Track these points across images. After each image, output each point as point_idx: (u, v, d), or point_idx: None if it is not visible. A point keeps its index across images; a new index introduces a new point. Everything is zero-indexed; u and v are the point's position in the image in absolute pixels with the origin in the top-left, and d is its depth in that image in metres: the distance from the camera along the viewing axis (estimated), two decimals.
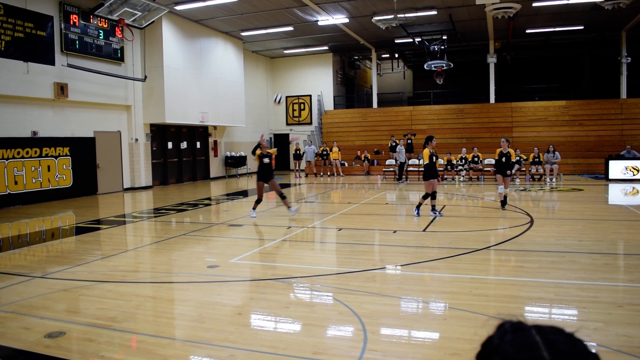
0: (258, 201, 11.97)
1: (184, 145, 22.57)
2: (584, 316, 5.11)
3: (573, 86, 29.28)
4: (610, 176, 19.73)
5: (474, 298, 5.63)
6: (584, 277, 6.51)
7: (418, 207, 11.65)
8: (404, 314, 5.32)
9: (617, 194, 16.10)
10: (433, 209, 11.51)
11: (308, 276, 6.68)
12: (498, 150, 12.60)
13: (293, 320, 5.07)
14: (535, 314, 5.24)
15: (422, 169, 22.54)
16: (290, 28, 22.78)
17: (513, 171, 13.57)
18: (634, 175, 19.53)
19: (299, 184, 21.48)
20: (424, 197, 11.55)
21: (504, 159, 12.38)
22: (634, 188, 17.38)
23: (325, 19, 21.42)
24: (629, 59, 25.00)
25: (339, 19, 21.50)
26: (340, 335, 4.76)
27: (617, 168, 19.76)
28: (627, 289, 6.00)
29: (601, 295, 5.68)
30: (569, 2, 19.72)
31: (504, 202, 12.43)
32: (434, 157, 11.33)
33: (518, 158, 19.36)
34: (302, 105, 29.46)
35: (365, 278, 6.48)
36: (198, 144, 23.53)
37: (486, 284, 6.33)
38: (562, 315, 5.16)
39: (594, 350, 0.92)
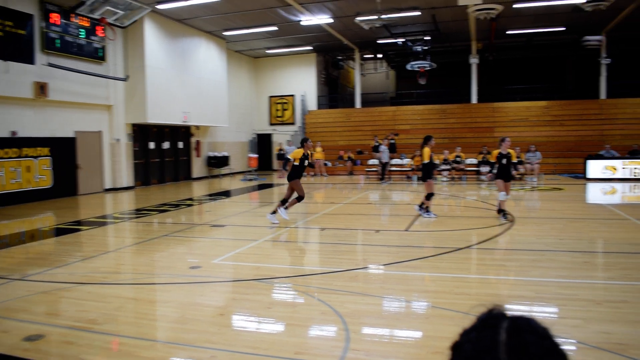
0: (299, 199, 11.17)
1: (166, 145, 22.39)
2: (564, 314, 5.18)
3: (554, 87, 29.66)
4: (590, 175, 20.01)
5: (455, 297, 5.68)
6: (564, 275, 6.60)
7: (427, 210, 11.39)
8: (386, 313, 5.35)
9: (596, 193, 16.33)
10: (421, 206, 11.53)
11: (291, 276, 6.69)
12: (496, 152, 11.24)
13: (275, 320, 5.07)
14: (516, 312, 5.28)
15: (408, 169, 22.85)
16: (273, 28, 22.75)
17: (515, 173, 12.29)
18: (612, 174, 19.83)
19: (283, 184, 21.43)
20: (428, 198, 11.33)
21: (504, 161, 11.05)
22: (612, 187, 17.64)
23: (309, 19, 21.43)
24: (609, 60, 25.36)
25: (323, 19, 21.51)
26: (322, 335, 4.77)
27: (596, 167, 20.05)
28: (606, 287, 6.09)
29: (581, 293, 5.76)
30: (550, 3, 19.95)
31: (503, 211, 11.06)
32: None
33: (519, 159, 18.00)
34: (285, 105, 29.43)
35: (348, 278, 6.49)
36: (180, 144, 23.35)
37: (468, 282, 6.38)
38: (543, 313, 5.21)
39: (564, 350, 0.92)
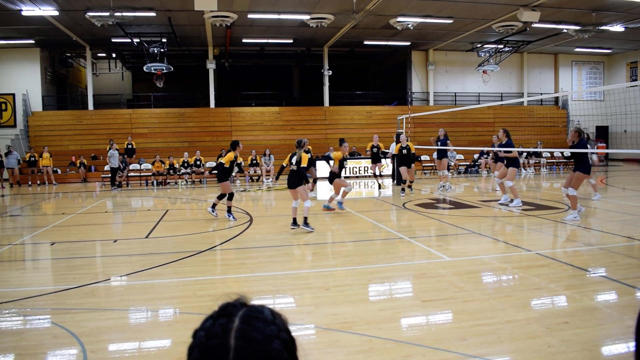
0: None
1: None
2: (299, 302, 5.66)
3: (284, 94, 32.08)
4: (319, 175, 22.15)
5: (198, 299, 5.73)
6: (298, 267, 7.22)
7: (213, 206, 11.64)
8: (128, 326, 5.12)
9: (323, 191, 18.10)
10: (229, 210, 11.40)
11: (14, 300, 5.90)
12: (398, 146, 14.74)
13: None
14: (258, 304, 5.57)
15: (148, 174, 22.15)
16: None
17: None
18: None
19: (3, 196, 18.81)
20: (230, 198, 11.41)
21: (404, 151, 14.89)
22: None
23: (31, 10, 19.15)
24: (330, 71, 28.46)
25: (47, 10, 19.43)
26: None
27: (323, 168, 22.26)
28: (332, 273, 6.82)
29: (312, 281, 6.36)
30: (280, 17, 21.49)
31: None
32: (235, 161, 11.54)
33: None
34: (3, 106, 25.75)
35: (84, 294, 6.03)
36: None
37: (211, 284, 6.50)
38: (280, 304, 5.60)
39: (289, 335, 1.02)
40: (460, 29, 24.76)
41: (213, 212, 11.63)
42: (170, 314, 5.39)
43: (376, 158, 17.80)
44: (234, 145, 11.33)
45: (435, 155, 17.40)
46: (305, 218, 9.80)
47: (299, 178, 9.97)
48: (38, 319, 5.29)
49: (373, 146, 17.62)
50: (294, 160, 10.02)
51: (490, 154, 18.19)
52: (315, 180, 15.57)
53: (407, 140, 15.21)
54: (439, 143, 16.10)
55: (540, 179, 21.41)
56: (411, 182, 15.89)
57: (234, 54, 30.00)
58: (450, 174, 16.69)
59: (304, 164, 9.90)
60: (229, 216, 11.30)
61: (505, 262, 7.28)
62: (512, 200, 12.75)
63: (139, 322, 5.28)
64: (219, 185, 11.68)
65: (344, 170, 12.74)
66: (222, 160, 11.43)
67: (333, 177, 12.59)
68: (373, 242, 8.82)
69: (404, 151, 15.05)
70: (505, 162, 13.33)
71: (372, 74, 37.10)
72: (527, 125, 27.41)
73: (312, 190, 15.30)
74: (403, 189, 15.46)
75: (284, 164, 10.44)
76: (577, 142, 10.65)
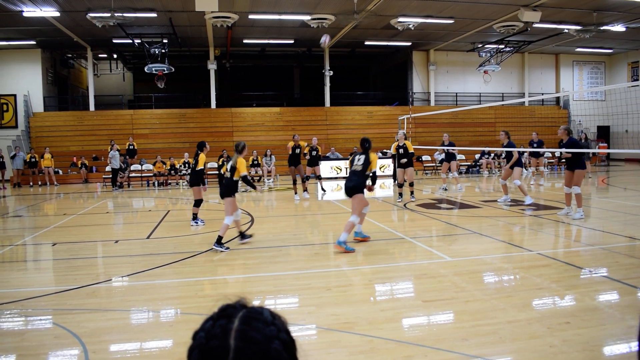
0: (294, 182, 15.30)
1: None
2: (301, 302, 5.66)
3: (285, 94, 32.11)
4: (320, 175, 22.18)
5: (200, 300, 5.73)
6: (299, 267, 7.20)
7: (195, 218, 10.93)
8: (129, 326, 5.12)
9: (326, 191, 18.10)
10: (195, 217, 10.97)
11: (16, 301, 5.90)
12: (395, 144, 13.99)
13: None
14: (258, 305, 5.56)
15: (149, 174, 22.15)
16: None
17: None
18: (337, 173, 22.36)
19: (4, 197, 18.82)
20: (196, 205, 10.91)
21: (401, 151, 13.79)
22: (337, 185, 19.82)
23: (32, 11, 19.17)
24: (331, 72, 28.46)
25: (48, 11, 19.45)
26: None
27: (325, 168, 22.29)
28: (335, 273, 6.83)
29: (313, 282, 6.35)
30: (281, 17, 21.50)
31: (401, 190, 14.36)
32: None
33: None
34: (4, 107, 25.79)
35: (85, 294, 6.03)
36: None
37: (212, 284, 6.50)
38: (281, 305, 5.60)
39: (289, 336, 1.03)
40: (461, 29, 24.75)
41: (197, 222, 10.93)
42: (171, 315, 5.39)
43: (314, 161, 16.52)
44: (202, 147, 10.70)
45: (439, 156, 17.25)
46: (220, 237, 8.33)
47: (231, 188, 8.58)
48: (39, 320, 5.29)
49: (312, 148, 16.45)
50: (229, 166, 8.66)
51: (493, 155, 18.15)
52: (319, 177, 15.55)
53: (405, 139, 14.27)
54: (446, 147, 16.16)
55: (541, 179, 21.36)
56: (400, 185, 14.38)
57: (235, 55, 30.01)
58: (452, 175, 16.50)
59: (242, 171, 8.48)
60: (196, 223, 10.84)
61: (506, 262, 7.28)
62: (515, 201, 12.79)
63: (141, 322, 5.28)
64: (192, 189, 11.00)
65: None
66: (198, 163, 10.73)
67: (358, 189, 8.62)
68: (374, 243, 8.81)
69: (401, 150, 13.85)
70: (507, 162, 13.31)
71: (373, 75, 37.09)
72: (529, 126, 27.36)
73: (321, 190, 15.52)
74: (412, 192, 14.15)
75: (222, 172, 9.35)
76: (566, 140, 10.73)
